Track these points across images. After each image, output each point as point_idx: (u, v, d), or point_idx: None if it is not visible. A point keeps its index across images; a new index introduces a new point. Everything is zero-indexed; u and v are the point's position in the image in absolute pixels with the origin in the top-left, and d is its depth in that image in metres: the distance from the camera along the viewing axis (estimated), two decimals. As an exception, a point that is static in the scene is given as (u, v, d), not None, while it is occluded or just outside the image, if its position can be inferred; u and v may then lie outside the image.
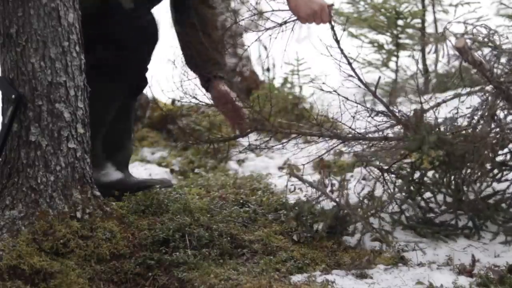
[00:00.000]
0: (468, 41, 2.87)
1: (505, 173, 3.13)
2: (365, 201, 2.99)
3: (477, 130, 2.91)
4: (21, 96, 2.77)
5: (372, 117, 3.04)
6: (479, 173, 3.02)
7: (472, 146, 2.86)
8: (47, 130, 2.79)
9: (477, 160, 2.90)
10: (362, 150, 3.09)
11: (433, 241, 2.95)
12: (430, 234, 2.99)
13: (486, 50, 2.99)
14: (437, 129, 2.93)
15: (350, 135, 3.06)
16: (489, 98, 2.98)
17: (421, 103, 2.98)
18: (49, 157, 2.79)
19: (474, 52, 2.85)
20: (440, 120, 2.99)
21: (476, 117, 2.98)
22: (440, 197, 3.15)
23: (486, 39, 2.95)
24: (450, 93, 3.19)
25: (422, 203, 3.13)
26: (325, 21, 3.07)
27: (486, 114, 2.92)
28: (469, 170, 3.01)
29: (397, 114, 3.01)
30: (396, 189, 3.05)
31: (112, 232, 2.80)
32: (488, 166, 3.04)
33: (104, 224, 2.81)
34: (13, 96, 2.76)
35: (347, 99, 3.02)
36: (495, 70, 2.91)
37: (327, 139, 3.08)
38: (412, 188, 3.09)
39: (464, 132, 2.96)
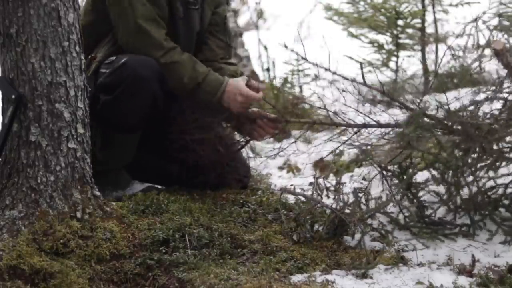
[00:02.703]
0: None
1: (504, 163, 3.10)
2: (363, 201, 2.99)
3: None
4: (21, 96, 2.77)
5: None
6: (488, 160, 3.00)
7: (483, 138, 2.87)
8: (47, 130, 2.79)
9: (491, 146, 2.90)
10: (365, 145, 3.07)
11: (432, 241, 2.95)
12: (427, 234, 2.99)
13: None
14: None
15: (360, 123, 3.06)
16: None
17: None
18: (49, 157, 2.79)
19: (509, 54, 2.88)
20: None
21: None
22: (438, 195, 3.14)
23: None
24: (450, 93, 3.18)
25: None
26: (256, 99, 3.24)
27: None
28: (469, 161, 3.00)
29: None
30: (393, 191, 3.05)
31: (112, 232, 2.80)
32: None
33: (104, 224, 2.81)
34: (13, 96, 2.76)
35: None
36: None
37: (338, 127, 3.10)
38: (405, 187, 3.09)
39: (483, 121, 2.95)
